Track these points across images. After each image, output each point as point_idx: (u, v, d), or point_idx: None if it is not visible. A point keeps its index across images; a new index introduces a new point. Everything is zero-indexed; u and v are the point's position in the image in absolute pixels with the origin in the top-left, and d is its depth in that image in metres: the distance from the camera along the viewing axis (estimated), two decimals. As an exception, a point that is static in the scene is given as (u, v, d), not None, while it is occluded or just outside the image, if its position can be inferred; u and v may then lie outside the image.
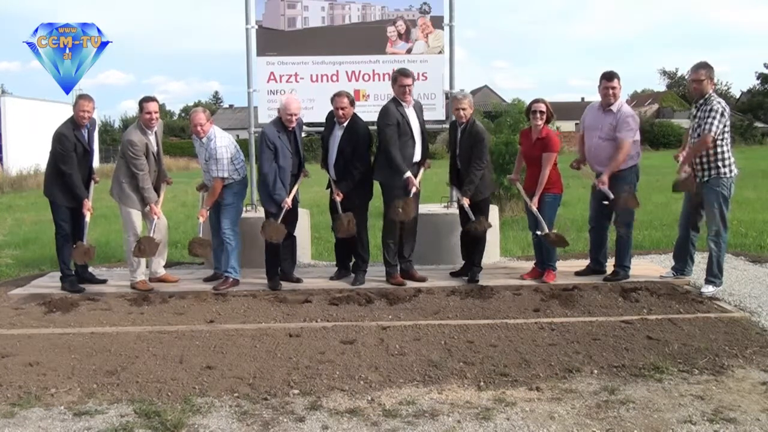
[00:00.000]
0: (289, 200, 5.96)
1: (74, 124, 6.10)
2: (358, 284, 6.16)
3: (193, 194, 6.71)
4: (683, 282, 6.08)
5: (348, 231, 6.02)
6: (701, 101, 5.72)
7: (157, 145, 6.29)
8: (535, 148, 6.09)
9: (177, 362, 4.32)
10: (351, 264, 6.41)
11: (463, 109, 6.01)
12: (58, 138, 6.06)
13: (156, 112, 6.13)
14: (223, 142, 6.07)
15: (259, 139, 6.06)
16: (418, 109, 6.22)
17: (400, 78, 5.99)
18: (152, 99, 6.16)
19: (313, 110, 6.97)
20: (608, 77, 6.02)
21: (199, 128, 6.07)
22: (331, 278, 6.41)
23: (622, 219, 6.14)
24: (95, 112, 6.32)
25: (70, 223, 6.21)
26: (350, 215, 6.03)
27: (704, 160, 5.70)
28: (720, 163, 5.66)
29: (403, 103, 6.04)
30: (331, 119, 6.20)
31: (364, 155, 6.15)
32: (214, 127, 6.17)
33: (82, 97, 6.25)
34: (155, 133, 6.23)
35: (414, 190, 5.99)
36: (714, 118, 5.53)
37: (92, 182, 6.35)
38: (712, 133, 5.51)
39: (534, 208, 6.04)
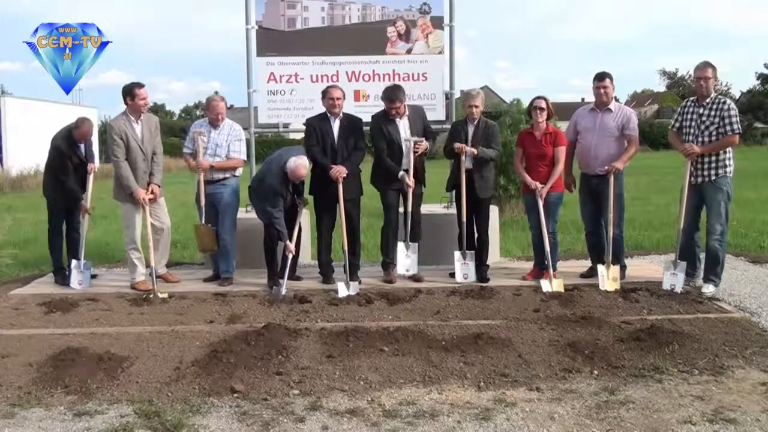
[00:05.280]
0: (291, 246, 5.99)
1: (71, 139, 6.22)
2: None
3: (192, 194, 6.69)
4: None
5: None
6: (708, 100, 5.76)
7: (141, 135, 6.16)
8: (545, 145, 6.09)
9: (177, 362, 4.31)
10: (343, 265, 6.39)
11: (476, 106, 6.08)
12: (55, 149, 6.23)
13: None
14: (238, 125, 6.49)
15: (267, 185, 5.96)
16: (414, 113, 6.24)
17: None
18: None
19: (313, 111, 6.95)
20: (600, 77, 6.15)
21: (220, 117, 6.31)
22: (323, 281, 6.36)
23: (613, 219, 6.10)
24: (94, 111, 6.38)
25: (64, 221, 6.45)
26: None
27: (713, 159, 5.75)
28: (727, 162, 5.77)
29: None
30: (320, 120, 6.18)
31: (362, 141, 6.24)
32: None
33: (86, 120, 6.35)
34: (141, 122, 6.14)
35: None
36: (736, 117, 5.70)
37: (89, 178, 6.37)
38: (738, 133, 5.70)
39: (541, 201, 6.03)
